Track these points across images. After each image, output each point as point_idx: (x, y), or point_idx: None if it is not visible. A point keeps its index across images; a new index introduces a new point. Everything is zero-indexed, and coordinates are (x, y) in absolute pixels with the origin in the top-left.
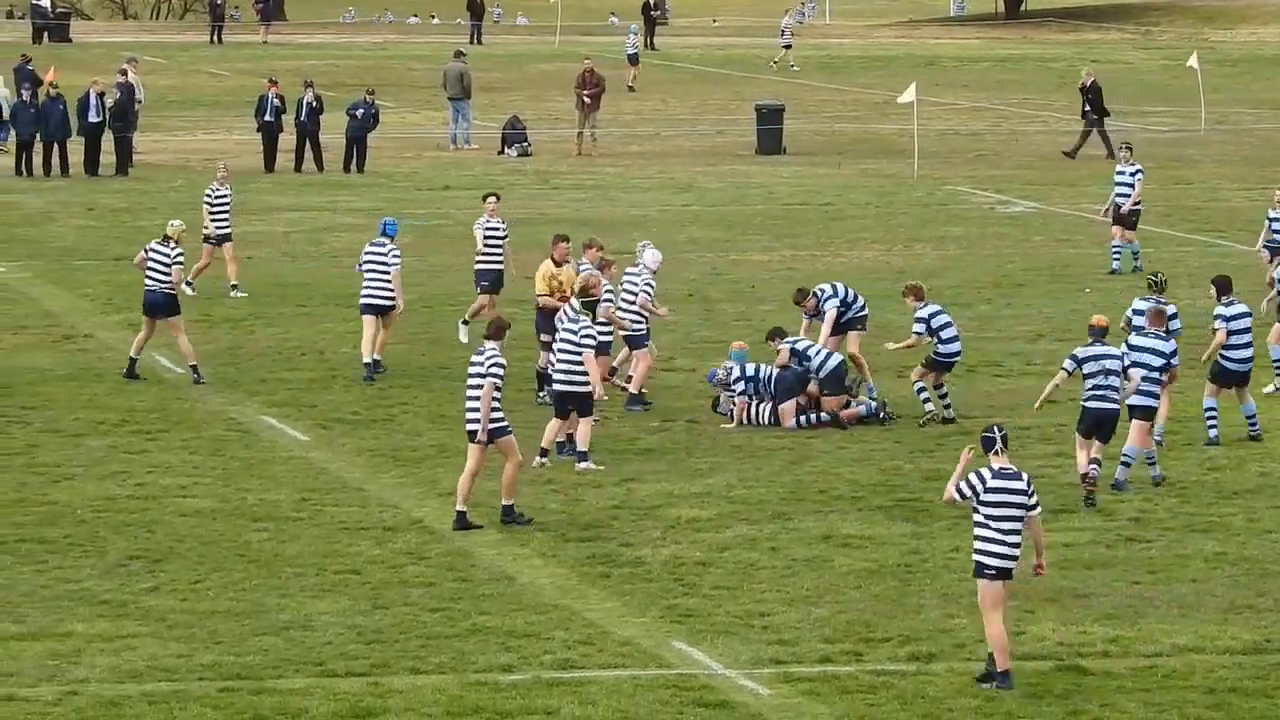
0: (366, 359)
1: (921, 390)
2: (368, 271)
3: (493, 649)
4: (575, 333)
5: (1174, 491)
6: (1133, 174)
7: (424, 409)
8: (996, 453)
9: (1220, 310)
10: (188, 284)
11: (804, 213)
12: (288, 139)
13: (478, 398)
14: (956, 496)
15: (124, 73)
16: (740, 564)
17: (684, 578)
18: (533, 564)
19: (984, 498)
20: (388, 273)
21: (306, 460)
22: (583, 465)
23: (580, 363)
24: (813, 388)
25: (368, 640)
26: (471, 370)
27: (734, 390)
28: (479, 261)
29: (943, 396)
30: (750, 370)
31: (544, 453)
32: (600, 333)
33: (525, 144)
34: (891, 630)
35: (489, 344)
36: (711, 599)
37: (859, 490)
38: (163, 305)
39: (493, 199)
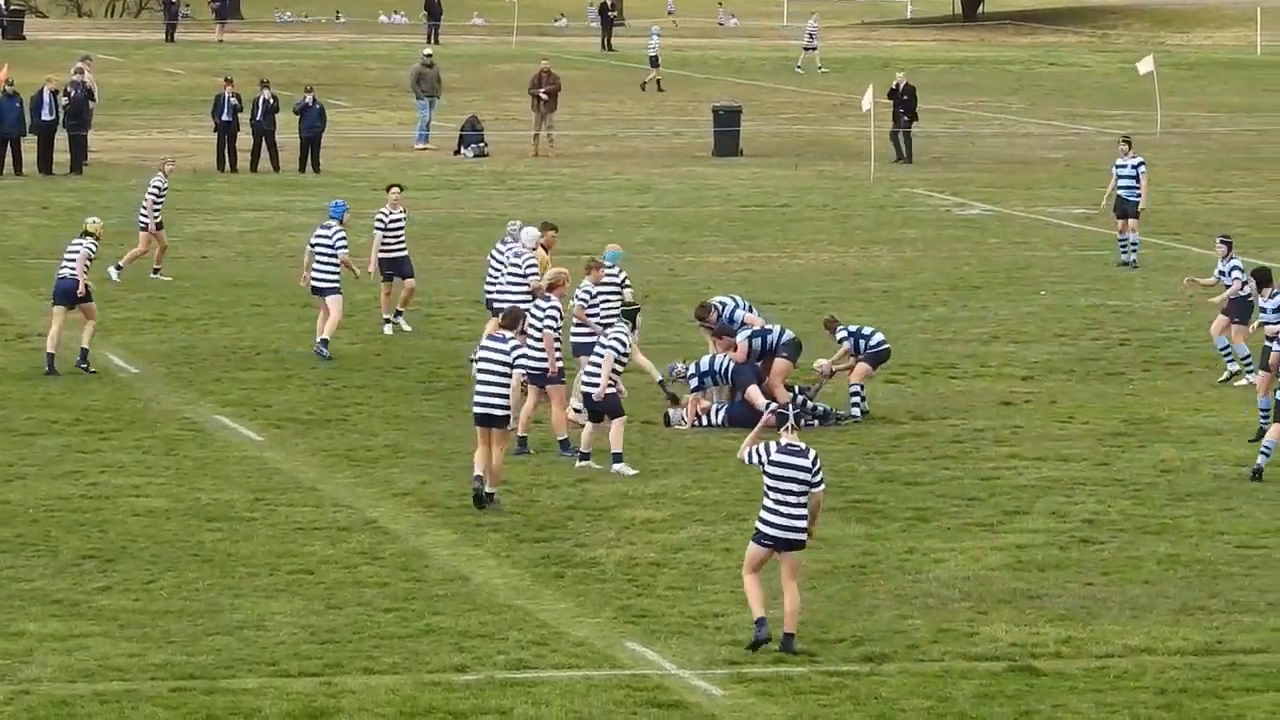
0: (318, 338)
1: (856, 393)
2: (315, 254)
3: (446, 649)
4: (539, 319)
5: (1127, 493)
6: (1135, 166)
7: (379, 409)
8: (788, 429)
9: (1264, 304)
10: (117, 267)
11: (761, 214)
12: (244, 138)
13: (490, 383)
14: (746, 458)
15: (79, 71)
16: (694, 565)
17: (638, 578)
18: (487, 564)
19: (768, 469)
20: (334, 256)
21: (260, 460)
22: (617, 467)
23: (599, 368)
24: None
25: (321, 640)
26: (487, 356)
27: (690, 385)
28: (382, 252)
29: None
30: (705, 364)
31: (584, 456)
32: (576, 333)
33: (482, 144)
34: (845, 631)
35: (508, 333)
36: (665, 599)
37: None
38: (69, 294)
39: (396, 189)
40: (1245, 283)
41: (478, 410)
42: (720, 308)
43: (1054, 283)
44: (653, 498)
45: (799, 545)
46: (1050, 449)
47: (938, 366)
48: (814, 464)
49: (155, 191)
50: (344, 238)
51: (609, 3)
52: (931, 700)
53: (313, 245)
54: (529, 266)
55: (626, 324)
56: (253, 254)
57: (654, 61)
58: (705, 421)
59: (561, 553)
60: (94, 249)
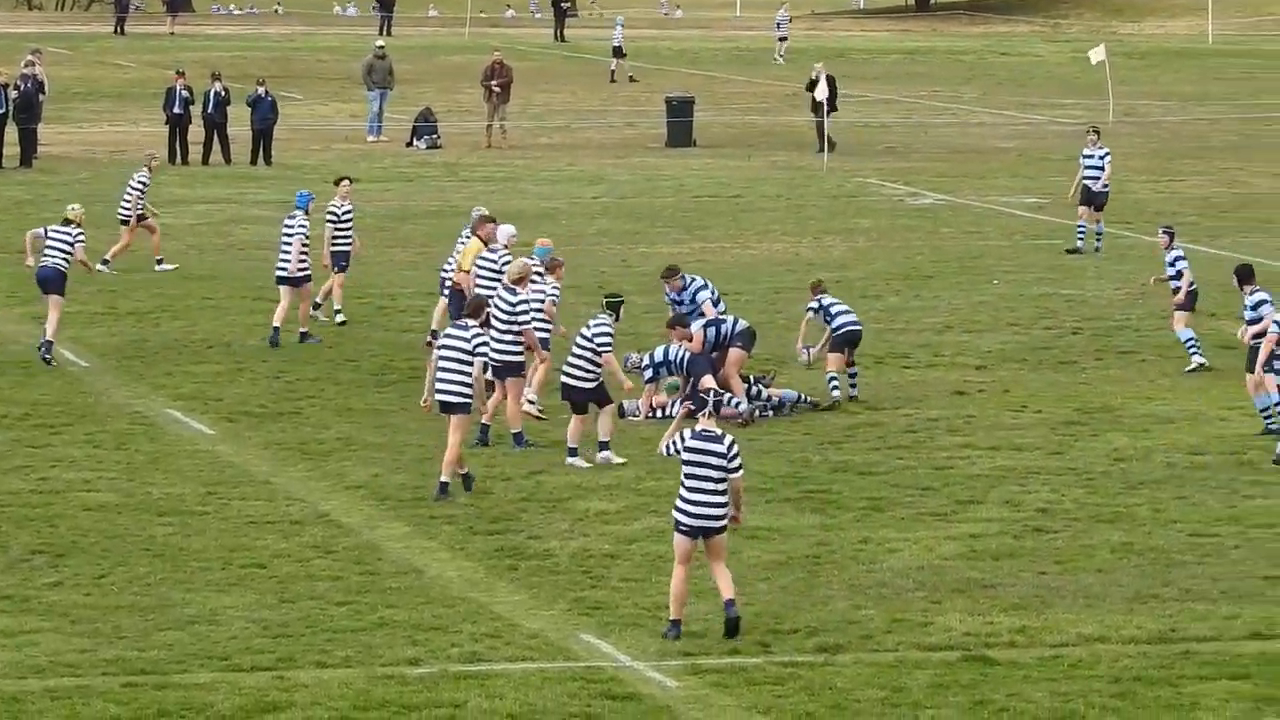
0: (274, 324)
1: (832, 379)
2: (281, 243)
3: (399, 642)
4: (511, 316)
5: (1080, 482)
6: (1101, 156)
7: (331, 402)
8: (707, 415)
9: (1246, 300)
10: (104, 263)
11: (714, 205)
12: (195, 131)
13: (452, 370)
14: (665, 451)
15: (30, 64)
16: (648, 556)
17: (592, 570)
18: (440, 557)
19: (684, 456)
20: (300, 245)
21: (212, 454)
22: (603, 455)
23: (588, 360)
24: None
25: (273, 634)
26: (449, 344)
27: (643, 376)
28: (333, 245)
29: (852, 376)
30: (660, 355)
31: (573, 451)
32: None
33: (435, 136)
34: (799, 622)
35: (470, 321)
36: (620, 591)
37: (767, 481)
38: (54, 281)
39: (346, 182)
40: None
41: (439, 398)
42: (686, 279)
43: (1007, 272)
44: (606, 489)
45: (719, 530)
46: (1004, 438)
47: (891, 356)
48: (729, 449)
49: (139, 187)
50: (304, 225)
51: None
52: (886, 690)
53: (281, 236)
54: (504, 262)
55: (610, 314)
56: (204, 247)
57: (618, 52)
58: (660, 414)
59: (515, 545)
60: (83, 237)
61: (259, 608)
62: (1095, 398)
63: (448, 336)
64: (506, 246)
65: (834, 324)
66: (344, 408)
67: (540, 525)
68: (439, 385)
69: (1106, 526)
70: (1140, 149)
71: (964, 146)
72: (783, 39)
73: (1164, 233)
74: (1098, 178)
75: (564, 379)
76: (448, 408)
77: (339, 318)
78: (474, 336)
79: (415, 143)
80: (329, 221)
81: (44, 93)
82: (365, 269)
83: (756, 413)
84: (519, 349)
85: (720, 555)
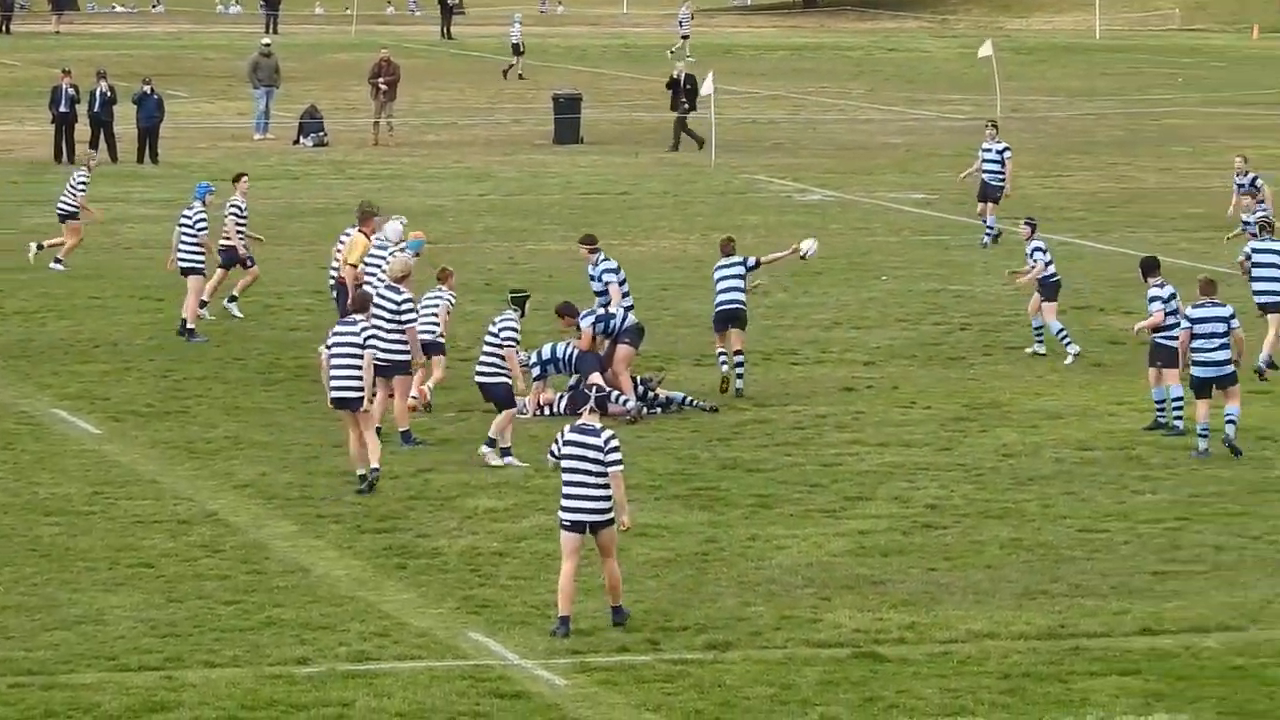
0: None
1: (721, 354)
2: (180, 236)
3: (287, 641)
4: (397, 311)
5: (969, 478)
6: (1000, 151)
7: (219, 400)
8: (590, 410)
9: (1155, 293)
10: (57, 260)
11: (601, 202)
12: (81, 130)
13: (346, 366)
14: (550, 459)
15: None
16: (537, 554)
17: (480, 568)
18: (328, 556)
19: (563, 450)
20: (196, 236)
21: (99, 453)
22: (505, 460)
23: (499, 356)
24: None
25: (161, 634)
26: (340, 340)
27: (532, 374)
28: (227, 239)
29: (739, 365)
30: (547, 352)
31: (505, 451)
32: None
33: (322, 134)
34: (688, 619)
35: (357, 316)
36: (508, 589)
37: (656, 479)
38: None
39: (246, 178)
40: (1049, 263)
41: (335, 395)
42: (598, 256)
43: (895, 268)
44: (495, 487)
45: (606, 524)
46: (892, 434)
47: (779, 353)
48: (606, 443)
49: (81, 187)
50: (204, 218)
51: None
52: (775, 687)
53: (180, 226)
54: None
55: (515, 309)
56: (90, 245)
57: (516, 49)
58: (549, 412)
59: (403, 543)
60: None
61: (146, 607)
62: (984, 393)
63: (337, 334)
64: (398, 242)
65: (716, 299)
66: (231, 406)
67: (428, 523)
68: (334, 383)
69: (995, 522)
70: (1027, 144)
71: (852, 143)
72: (685, 36)
73: (1026, 224)
74: (996, 173)
75: (479, 379)
76: (344, 404)
77: (234, 307)
78: (362, 330)
79: (302, 140)
80: (232, 214)
81: None
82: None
83: (644, 410)
84: (405, 347)
85: (609, 550)
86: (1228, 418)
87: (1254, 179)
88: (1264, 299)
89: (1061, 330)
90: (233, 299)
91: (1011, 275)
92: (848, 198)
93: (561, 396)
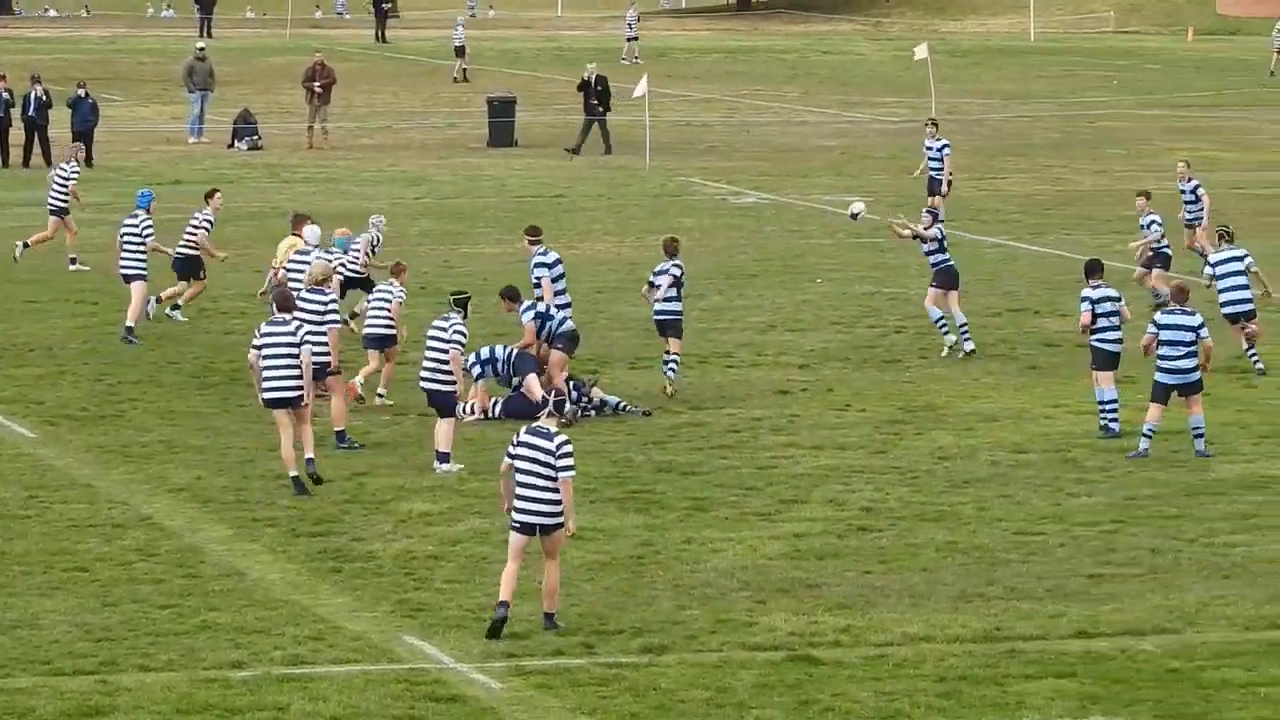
0: (128, 323)
1: (666, 359)
2: (122, 244)
3: (223, 645)
4: (321, 315)
5: (905, 481)
6: (939, 149)
7: (153, 405)
8: (547, 414)
9: (1085, 293)
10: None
11: (536, 205)
12: (15, 133)
13: (282, 366)
14: (504, 465)
15: None
16: (472, 558)
17: (415, 572)
18: (263, 560)
19: (515, 452)
20: (141, 244)
21: (34, 457)
22: (443, 468)
23: (447, 360)
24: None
25: (96, 638)
26: (272, 340)
27: (473, 373)
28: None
29: (673, 364)
30: (486, 353)
31: (444, 457)
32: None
33: (256, 137)
34: (624, 622)
35: (286, 315)
36: (443, 593)
37: (591, 482)
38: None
39: (219, 194)
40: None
41: (272, 395)
42: (541, 248)
43: (830, 271)
44: (430, 491)
45: (555, 527)
46: (827, 437)
47: (714, 356)
48: (559, 448)
49: (74, 173)
50: (150, 226)
51: None
52: (711, 690)
53: (121, 235)
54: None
55: (459, 312)
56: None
57: (459, 51)
58: (485, 416)
59: (338, 547)
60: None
61: (81, 611)
62: (919, 396)
63: (268, 334)
64: (316, 246)
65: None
66: (166, 410)
67: (363, 527)
68: (269, 383)
69: (931, 525)
70: (963, 146)
71: (786, 145)
72: (633, 39)
73: (927, 212)
74: (937, 168)
75: (426, 384)
76: (282, 403)
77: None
78: (298, 329)
79: (236, 144)
80: (205, 230)
81: None
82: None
83: (579, 414)
84: (329, 349)
85: (554, 553)
86: (1194, 430)
87: (1195, 186)
88: (1232, 309)
89: (964, 325)
90: (176, 306)
91: (893, 226)
92: (782, 200)
93: (497, 402)
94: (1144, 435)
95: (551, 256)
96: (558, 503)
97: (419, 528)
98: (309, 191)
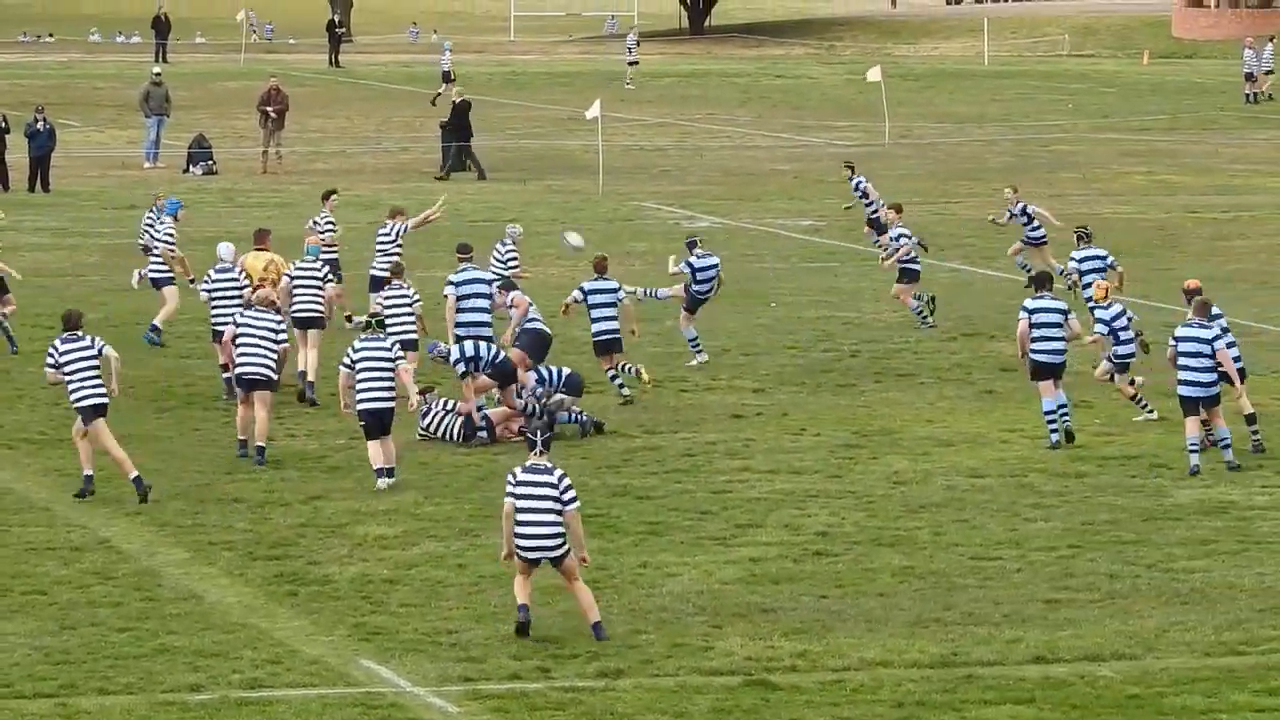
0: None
1: (611, 374)
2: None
3: (180, 669)
4: (275, 333)
5: (860, 505)
6: (860, 186)
7: (110, 429)
8: (538, 452)
9: (1027, 303)
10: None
11: (489, 230)
12: None
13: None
14: (508, 505)
15: None
16: (428, 581)
17: (371, 595)
18: (220, 583)
19: (516, 490)
20: (171, 250)
21: None
22: (388, 482)
23: (391, 378)
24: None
25: (55, 661)
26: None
27: (457, 370)
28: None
29: (614, 378)
30: (470, 349)
31: (385, 473)
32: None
33: (210, 162)
34: (579, 646)
35: (78, 332)
36: (399, 616)
37: None
38: None
39: (334, 196)
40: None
41: (249, 374)
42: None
43: (783, 295)
44: (385, 514)
45: (563, 556)
46: (782, 461)
47: (668, 380)
48: (560, 482)
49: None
50: (170, 232)
51: (337, 19)
52: (667, 715)
53: (151, 239)
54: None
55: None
56: None
57: (446, 76)
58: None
59: (294, 570)
60: None
61: (40, 634)
62: (874, 420)
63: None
64: (232, 261)
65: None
66: (123, 434)
67: (319, 550)
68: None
69: (887, 550)
70: (916, 170)
71: (739, 169)
72: (633, 63)
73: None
74: (873, 208)
75: (374, 404)
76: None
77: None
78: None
79: (191, 169)
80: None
81: None
82: (144, 297)
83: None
84: (276, 362)
85: (574, 576)
86: (1221, 442)
87: (1024, 207)
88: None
89: (695, 339)
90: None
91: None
92: (735, 224)
93: (452, 421)
94: (1190, 450)
95: (464, 275)
96: (563, 534)
97: (375, 551)
98: (263, 216)
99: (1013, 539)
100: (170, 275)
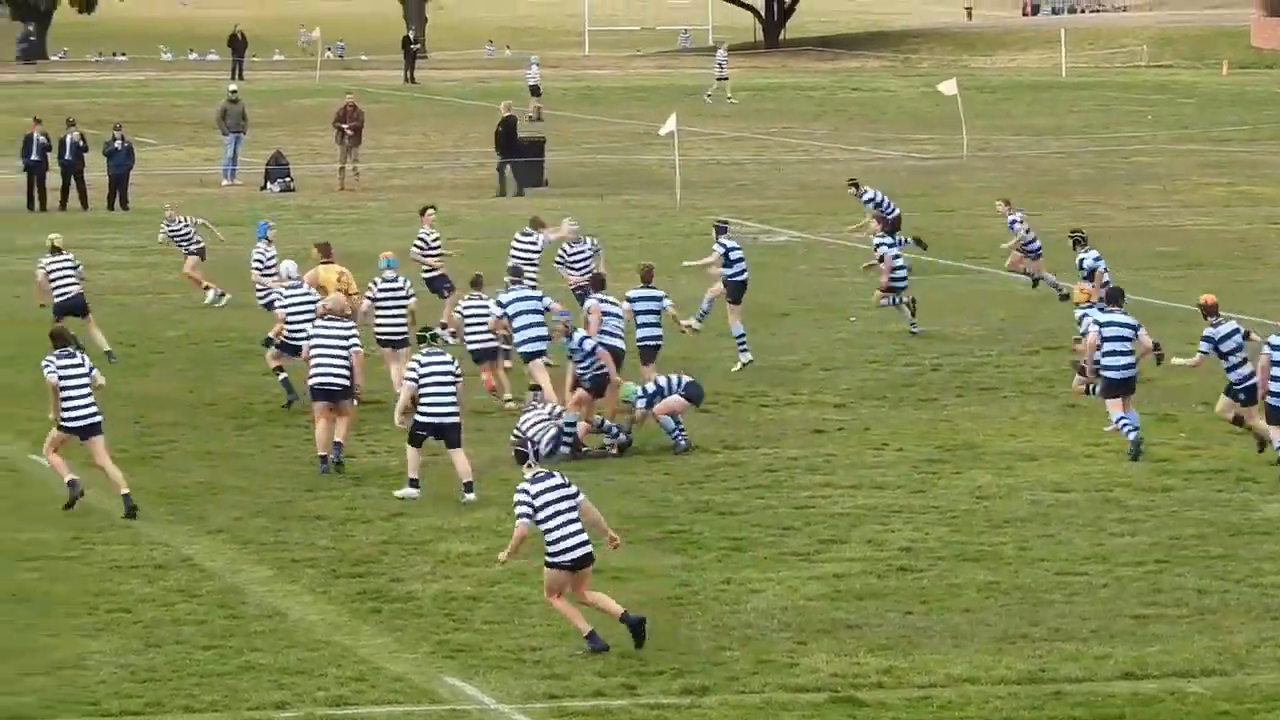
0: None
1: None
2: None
3: (265, 686)
4: (346, 340)
5: (944, 520)
6: (873, 201)
7: (191, 446)
8: (529, 465)
9: (1095, 315)
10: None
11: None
12: (53, 178)
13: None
14: (522, 527)
15: None
16: (511, 598)
17: (455, 612)
18: (303, 600)
19: (538, 502)
20: (267, 272)
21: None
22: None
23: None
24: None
25: (141, 679)
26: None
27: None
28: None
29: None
30: (653, 386)
31: (414, 483)
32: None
33: (288, 179)
34: (664, 663)
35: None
36: (483, 633)
37: (628, 522)
38: (80, 302)
39: (430, 210)
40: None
41: (323, 383)
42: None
43: (863, 309)
44: (468, 531)
45: (592, 558)
46: (865, 476)
47: (749, 395)
48: (568, 483)
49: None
50: (262, 256)
51: (412, 35)
52: None
53: (254, 268)
54: (576, 258)
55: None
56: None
57: (534, 91)
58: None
59: (378, 588)
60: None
61: (125, 652)
62: (957, 435)
63: (319, 333)
64: (292, 277)
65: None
66: (204, 452)
67: (402, 568)
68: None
69: (972, 565)
70: (995, 183)
71: (817, 183)
72: (723, 78)
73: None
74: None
75: (437, 419)
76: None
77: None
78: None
79: (269, 186)
80: (417, 248)
81: None
82: (223, 313)
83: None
84: (351, 371)
85: (588, 582)
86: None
87: (1013, 220)
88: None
89: (742, 335)
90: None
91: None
92: (814, 238)
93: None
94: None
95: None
96: (582, 530)
97: (457, 568)
98: (341, 232)
99: (1099, 554)
100: (270, 297)
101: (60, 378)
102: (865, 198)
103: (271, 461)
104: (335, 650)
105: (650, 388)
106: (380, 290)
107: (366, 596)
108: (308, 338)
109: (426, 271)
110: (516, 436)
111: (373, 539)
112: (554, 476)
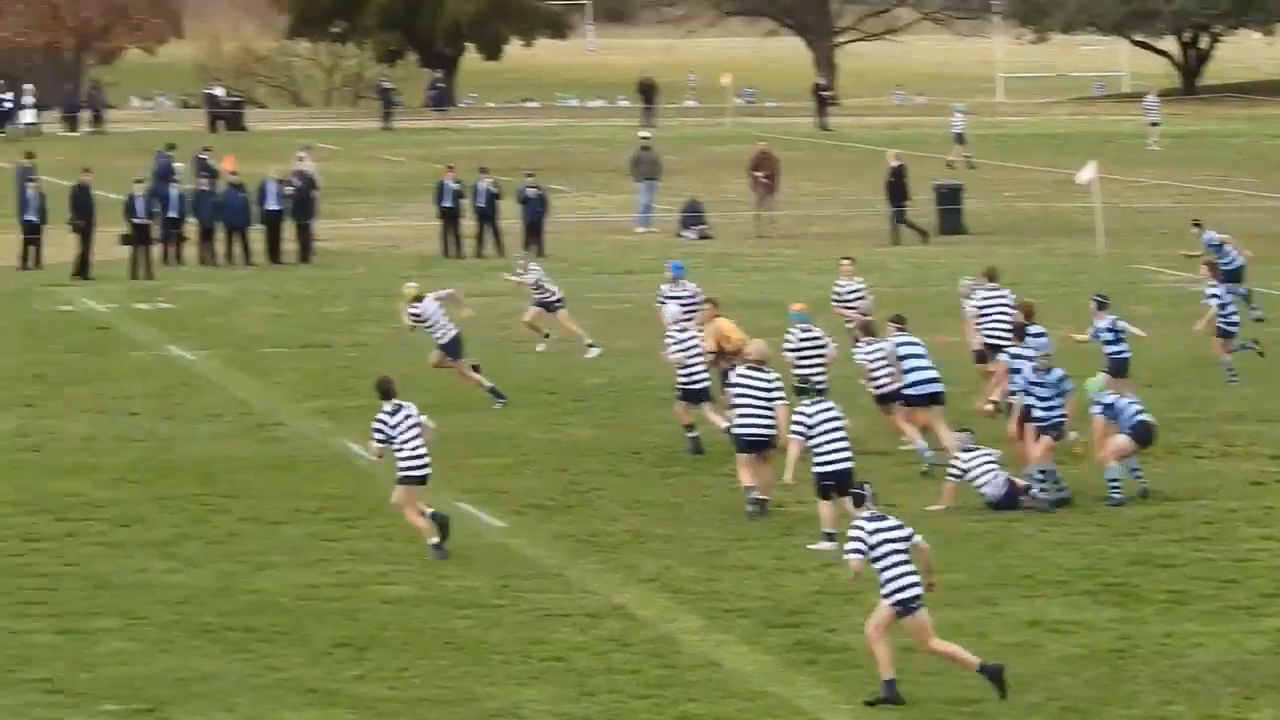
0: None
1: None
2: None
3: None
4: (769, 390)
5: None
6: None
7: (619, 494)
8: (866, 505)
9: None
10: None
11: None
12: (467, 224)
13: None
14: (856, 563)
15: (301, 160)
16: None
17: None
18: (737, 650)
19: (870, 540)
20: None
21: (504, 546)
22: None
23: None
24: None
25: None
26: (746, 385)
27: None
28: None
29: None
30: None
31: (829, 536)
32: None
33: (705, 226)
34: (1108, 717)
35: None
36: (920, 685)
37: (1064, 574)
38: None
39: (847, 261)
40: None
41: (749, 434)
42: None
43: None
44: None
45: (921, 599)
46: None
47: (1182, 446)
48: (898, 522)
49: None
50: (699, 294)
51: (823, 83)
52: None
53: (664, 303)
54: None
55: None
56: (483, 339)
57: (959, 139)
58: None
59: (812, 639)
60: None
61: (560, 701)
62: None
63: (742, 381)
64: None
65: (1125, 414)
66: (631, 500)
67: (836, 618)
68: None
69: None
70: None
71: (1248, 232)
72: (1155, 124)
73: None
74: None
75: (832, 467)
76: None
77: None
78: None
79: (684, 233)
80: (835, 301)
81: (317, 188)
82: (640, 361)
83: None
84: (775, 424)
85: (931, 631)
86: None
87: (1209, 241)
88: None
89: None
90: None
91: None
92: (1255, 289)
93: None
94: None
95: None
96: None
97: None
98: (761, 280)
99: None
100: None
101: (394, 432)
102: (1206, 239)
103: (699, 510)
104: (772, 701)
105: (1110, 396)
106: (800, 339)
107: (801, 647)
108: (730, 384)
109: (848, 322)
110: (956, 471)
111: (805, 589)
112: (887, 519)
